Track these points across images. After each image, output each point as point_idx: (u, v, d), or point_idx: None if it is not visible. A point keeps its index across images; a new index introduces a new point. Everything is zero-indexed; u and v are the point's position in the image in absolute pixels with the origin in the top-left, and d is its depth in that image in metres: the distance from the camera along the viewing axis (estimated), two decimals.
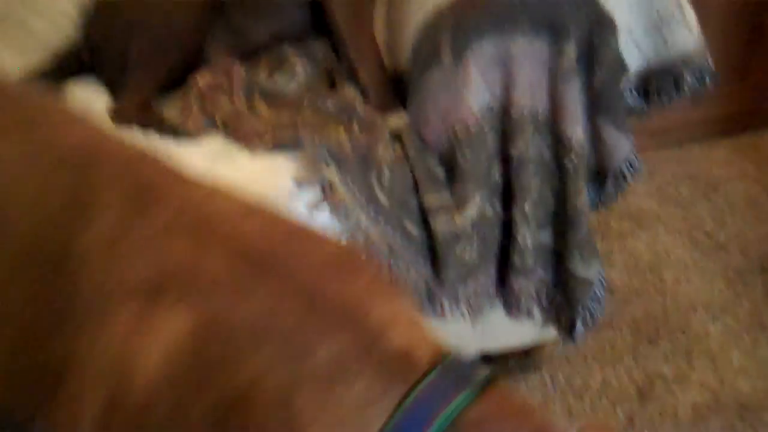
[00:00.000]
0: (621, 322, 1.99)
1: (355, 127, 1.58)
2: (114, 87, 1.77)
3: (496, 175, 1.53)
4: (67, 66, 1.87)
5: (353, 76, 1.71)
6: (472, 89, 1.44)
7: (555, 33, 1.40)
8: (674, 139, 2.54)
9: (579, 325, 1.66)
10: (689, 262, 2.15)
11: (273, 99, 1.68)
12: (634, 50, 1.48)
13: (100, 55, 1.82)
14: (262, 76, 1.72)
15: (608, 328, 1.97)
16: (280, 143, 1.52)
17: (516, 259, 1.58)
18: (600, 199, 1.65)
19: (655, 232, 2.25)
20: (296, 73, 1.73)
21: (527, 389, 1.85)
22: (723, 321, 1.98)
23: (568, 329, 1.69)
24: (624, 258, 2.17)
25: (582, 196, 1.52)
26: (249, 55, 1.80)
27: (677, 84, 1.51)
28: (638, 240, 2.23)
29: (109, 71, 1.80)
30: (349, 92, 1.67)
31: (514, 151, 1.49)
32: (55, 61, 1.89)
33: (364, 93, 1.68)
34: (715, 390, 1.82)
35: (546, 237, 1.60)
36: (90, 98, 1.75)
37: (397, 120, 1.59)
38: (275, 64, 1.76)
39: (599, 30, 1.41)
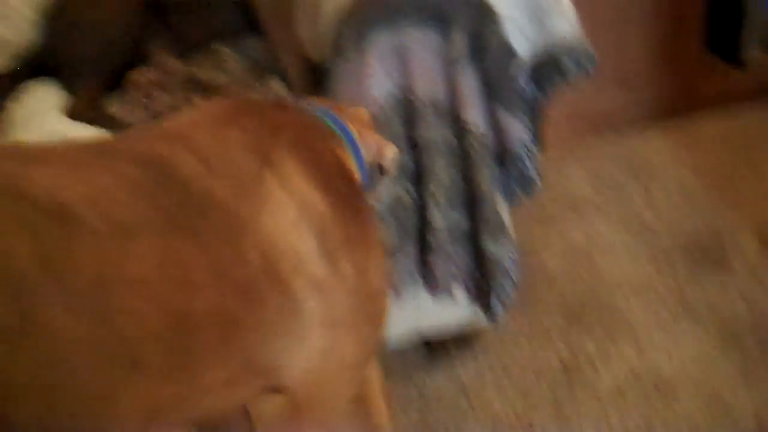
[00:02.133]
0: (551, 302, 2.07)
1: None
2: (68, 87, 1.89)
3: (408, 159, 1.62)
4: (29, 68, 1.98)
5: (280, 70, 1.81)
6: (374, 78, 1.55)
7: (443, 23, 1.51)
8: (610, 124, 2.61)
9: (495, 302, 1.74)
10: (619, 245, 2.23)
11: (207, 92, 1.79)
12: (521, 38, 1.58)
13: (55, 56, 1.93)
14: (198, 71, 1.83)
15: (539, 308, 2.05)
16: None
17: (431, 240, 1.67)
18: (511, 184, 1.73)
19: (589, 216, 2.34)
20: (229, 68, 1.84)
21: (462, 368, 1.93)
22: (647, 298, 2.06)
23: (487, 308, 1.77)
24: (557, 241, 2.26)
25: (485, 178, 1.62)
26: (187, 52, 1.91)
27: (560, 71, 1.60)
28: (572, 223, 2.32)
29: (64, 72, 1.92)
30: (275, 84, 1.77)
31: (419, 137, 1.58)
32: (17, 63, 2.00)
33: (288, 84, 1.78)
34: (634, 366, 1.90)
35: (460, 218, 1.68)
36: (48, 98, 1.87)
37: None
38: (210, 60, 1.87)
39: (483, 19, 1.52)
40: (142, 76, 1.78)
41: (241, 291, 0.97)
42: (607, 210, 2.36)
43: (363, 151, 1.27)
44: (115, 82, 1.81)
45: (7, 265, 0.81)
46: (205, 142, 1.03)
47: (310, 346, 1.04)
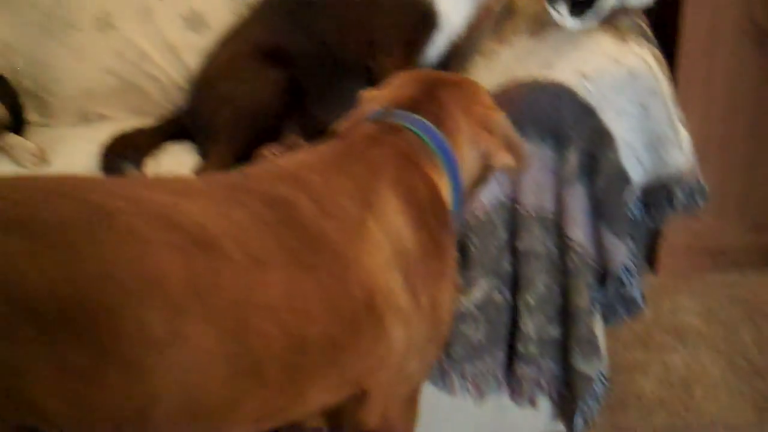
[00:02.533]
0: (641, 428, 2.04)
1: None
2: (202, 151, 2.04)
3: (507, 264, 1.66)
4: (171, 129, 2.16)
5: None
6: None
7: (558, 141, 1.55)
8: (731, 262, 2.58)
9: (578, 419, 1.74)
10: (721, 382, 2.17)
11: None
12: (636, 165, 1.60)
13: (195, 122, 2.10)
14: None
15: None
16: None
17: (520, 347, 1.69)
18: (613, 303, 1.74)
19: (695, 349, 2.29)
20: None
21: None
22: None
23: (570, 423, 1.77)
24: (659, 369, 2.22)
25: (583, 294, 1.63)
26: (318, 136, 2.03)
27: (670, 200, 1.61)
28: (677, 354, 2.27)
29: (200, 137, 2.08)
30: None
31: (520, 245, 1.62)
32: (162, 124, 2.18)
33: None
34: None
35: (554, 330, 1.70)
36: (182, 159, 2.02)
37: None
38: None
39: (599, 142, 1.55)
40: (270, 152, 1.90)
41: (346, 321, 1.10)
42: (714, 344, 2.31)
43: (462, 164, 1.32)
44: (246, 153, 1.93)
45: (164, 286, 0.94)
46: (318, 186, 1.16)
47: (390, 364, 1.17)
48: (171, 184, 1.13)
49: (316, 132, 2.05)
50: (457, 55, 2.01)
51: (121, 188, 1.05)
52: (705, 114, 2.48)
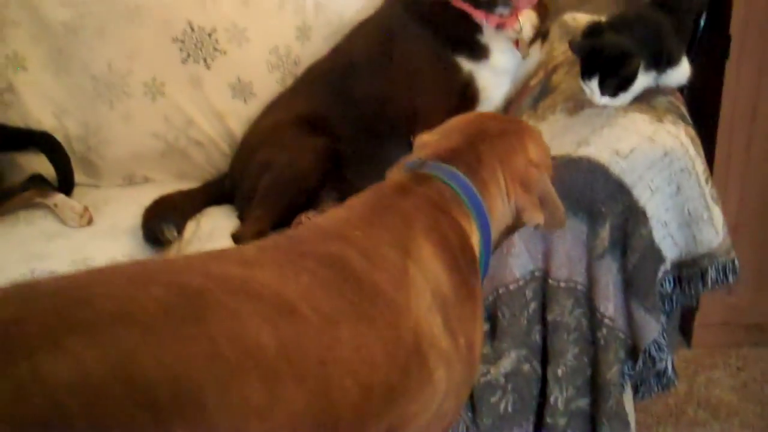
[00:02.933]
0: None
1: None
2: (241, 215, 2.09)
3: (536, 335, 1.67)
4: (213, 192, 2.22)
5: None
6: (517, 258, 1.63)
7: (592, 217, 1.58)
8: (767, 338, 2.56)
9: None
10: None
11: None
12: (670, 242, 1.61)
13: (236, 186, 2.16)
14: None
15: None
16: None
17: (548, 419, 1.70)
18: (644, 376, 1.74)
19: (728, 425, 2.27)
20: None
21: None
22: None
23: None
24: None
25: (613, 368, 1.64)
26: None
27: (703, 277, 1.62)
28: (709, 430, 2.25)
29: (240, 201, 2.13)
30: None
31: (551, 317, 1.64)
32: (204, 187, 2.24)
33: None
34: None
35: (583, 403, 1.70)
36: (221, 222, 2.07)
37: None
38: None
39: (632, 219, 1.57)
40: (307, 218, 1.95)
41: (400, 366, 1.15)
42: (748, 421, 2.28)
43: (492, 216, 1.34)
44: (283, 218, 1.97)
45: (261, 356, 0.99)
46: (361, 240, 1.20)
47: (431, 407, 1.22)
48: (233, 256, 1.18)
49: None
50: None
51: (195, 266, 1.10)
52: (742, 189, 2.49)
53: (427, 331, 1.18)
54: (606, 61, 1.65)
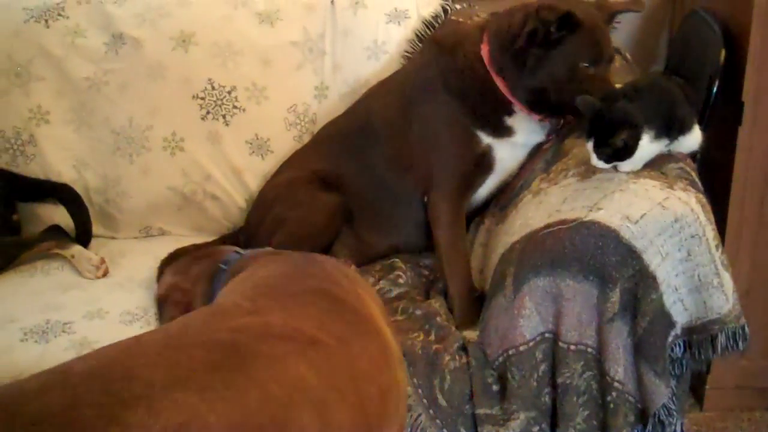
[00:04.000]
0: None
1: (432, 335, 1.81)
2: None
3: (546, 398, 1.67)
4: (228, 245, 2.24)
5: (445, 291, 1.95)
6: (527, 320, 1.64)
7: (602, 281, 1.59)
8: None
9: None
10: None
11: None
12: (680, 307, 1.62)
13: (250, 240, 2.19)
14: (371, 279, 2.00)
15: None
16: None
17: None
18: None
19: None
20: (399, 282, 1.99)
21: None
22: None
23: None
24: None
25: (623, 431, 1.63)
26: (368, 260, 2.10)
27: (713, 343, 1.62)
28: None
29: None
30: (436, 304, 1.91)
31: (560, 379, 1.64)
32: (219, 241, 2.27)
33: (450, 306, 1.91)
34: None
35: None
36: None
37: (471, 334, 1.80)
38: (385, 270, 2.04)
39: (642, 284, 1.58)
40: None
41: (394, 369, 1.32)
42: None
43: None
44: None
45: (307, 388, 1.10)
46: (328, 272, 1.40)
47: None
48: (236, 310, 1.26)
49: (367, 256, 2.12)
50: (507, 192, 2.08)
51: (214, 324, 1.19)
52: (754, 253, 2.48)
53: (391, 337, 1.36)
54: (605, 126, 1.68)
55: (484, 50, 2.01)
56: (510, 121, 2.03)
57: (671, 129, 1.74)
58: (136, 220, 2.39)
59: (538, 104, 1.97)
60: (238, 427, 1.00)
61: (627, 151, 1.68)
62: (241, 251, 1.62)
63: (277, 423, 1.04)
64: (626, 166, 1.71)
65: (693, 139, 1.79)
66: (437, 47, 2.12)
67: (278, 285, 1.36)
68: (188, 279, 1.68)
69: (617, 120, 1.68)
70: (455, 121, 2.03)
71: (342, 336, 1.23)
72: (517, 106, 2.00)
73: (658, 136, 1.71)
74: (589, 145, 1.71)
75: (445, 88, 2.05)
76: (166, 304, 1.71)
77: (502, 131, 2.03)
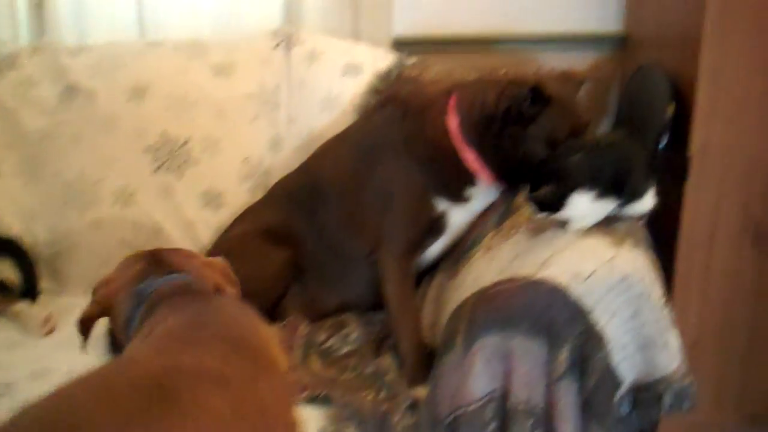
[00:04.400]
0: None
1: (382, 393, 1.80)
2: None
3: None
4: None
5: (396, 347, 1.95)
6: (476, 378, 1.63)
7: (551, 339, 1.59)
8: None
9: None
10: None
11: (325, 357, 1.94)
12: (628, 365, 1.63)
13: None
14: (322, 336, 2.00)
15: None
16: (315, 397, 1.76)
17: None
18: None
19: None
20: (351, 339, 1.99)
21: None
22: None
23: None
24: None
25: None
26: (319, 316, 2.09)
27: (658, 401, 1.64)
28: None
29: None
30: (387, 361, 1.91)
31: None
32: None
33: (401, 364, 1.91)
34: None
35: None
36: None
37: (421, 391, 1.79)
38: (335, 327, 2.04)
39: (590, 343, 1.59)
40: None
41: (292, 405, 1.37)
42: None
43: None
44: None
45: (218, 417, 1.16)
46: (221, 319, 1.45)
47: None
48: (159, 349, 1.34)
49: (318, 313, 2.11)
50: (459, 247, 2.09)
51: (139, 371, 1.22)
52: (703, 307, 2.52)
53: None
54: (541, 177, 1.72)
55: (452, 122, 2.00)
56: (470, 190, 2.03)
57: (621, 192, 1.76)
58: (85, 274, 2.33)
59: (510, 177, 1.97)
60: None
61: (552, 205, 1.70)
62: (157, 280, 1.60)
63: None
64: (574, 224, 1.73)
65: (646, 203, 1.81)
66: (401, 110, 2.11)
67: (184, 334, 1.39)
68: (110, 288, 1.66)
69: (549, 173, 1.70)
70: (414, 185, 2.03)
71: (248, 374, 1.28)
72: (483, 178, 2.00)
73: (602, 196, 1.73)
74: (525, 192, 1.74)
75: (407, 152, 2.04)
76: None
77: (461, 198, 2.04)
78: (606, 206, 1.75)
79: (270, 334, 1.47)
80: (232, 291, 1.67)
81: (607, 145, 1.86)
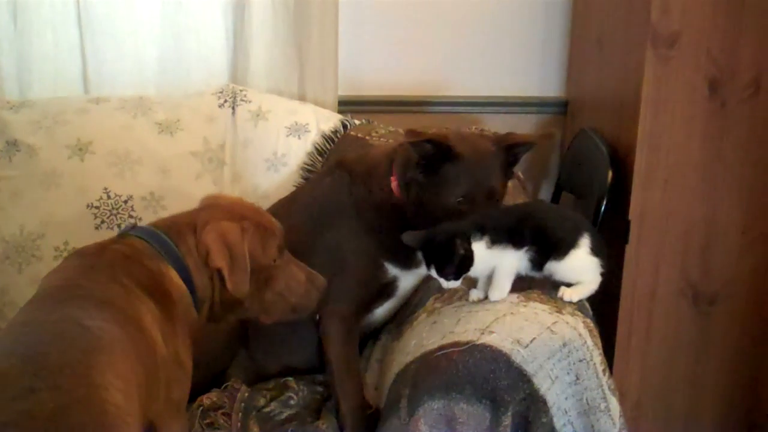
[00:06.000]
0: None
1: None
2: None
3: None
4: None
5: (337, 409, 1.93)
6: None
7: (495, 404, 1.60)
8: None
9: None
10: None
11: (264, 422, 1.92)
12: (570, 430, 1.64)
13: None
14: (261, 401, 1.98)
15: None
16: None
17: None
18: None
19: None
20: (290, 403, 1.97)
21: None
22: None
23: None
24: None
25: None
26: (260, 381, 2.06)
27: None
28: None
29: None
30: (328, 423, 1.89)
31: None
32: None
33: (341, 425, 1.89)
34: None
35: None
36: None
37: None
38: (277, 390, 2.01)
39: (533, 407, 1.60)
40: (208, 399, 1.93)
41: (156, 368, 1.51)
42: None
43: (190, 259, 1.67)
44: (192, 398, 1.94)
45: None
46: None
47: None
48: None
49: (260, 377, 2.08)
50: (403, 310, 2.09)
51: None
52: (643, 365, 2.56)
53: (159, 343, 1.52)
54: (440, 248, 1.73)
55: (393, 183, 2.00)
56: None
57: (520, 239, 1.76)
58: None
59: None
60: None
61: (466, 259, 1.71)
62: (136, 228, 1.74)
63: None
64: (495, 293, 1.76)
65: (577, 268, 1.79)
66: (349, 175, 2.09)
67: (52, 291, 1.56)
68: None
69: (446, 236, 1.72)
70: (365, 251, 2.01)
71: (106, 319, 1.41)
72: None
73: (495, 242, 1.74)
74: (433, 272, 1.74)
75: (357, 217, 2.03)
76: None
77: (411, 263, 2.02)
78: (514, 257, 1.76)
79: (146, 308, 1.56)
80: (222, 264, 1.66)
81: (506, 208, 1.91)
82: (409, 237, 1.79)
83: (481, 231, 1.74)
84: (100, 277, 1.55)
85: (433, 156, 1.87)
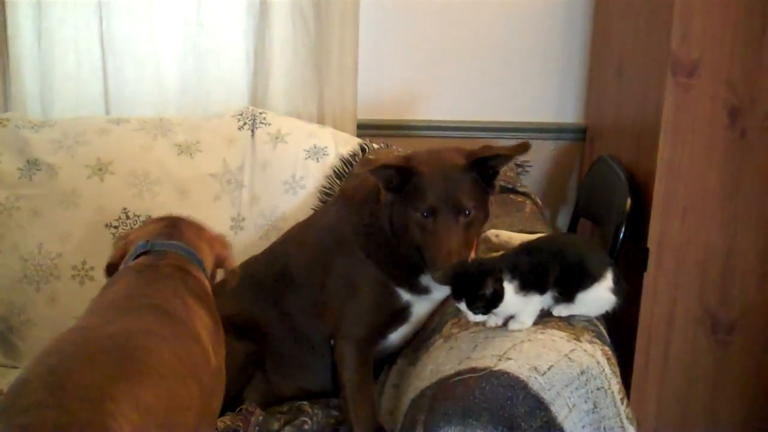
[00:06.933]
0: None
1: None
2: None
3: None
4: None
5: None
6: None
7: (511, 431, 1.59)
8: None
9: None
10: None
11: None
12: None
13: None
14: (275, 425, 1.97)
15: None
16: None
17: None
18: None
19: None
20: (305, 428, 1.97)
21: None
22: None
23: None
24: None
25: None
26: (275, 404, 2.06)
27: None
28: None
29: None
30: None
31: None
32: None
33: None
34: None
35: None
36: None
37: None
38: (292, 414, 2.01)
39: None
40: (222, 422, 1.92)
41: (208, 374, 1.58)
42: None
43: (206, 263, 1.81)
44: None
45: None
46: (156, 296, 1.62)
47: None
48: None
49: (275, 400, 2.08)
50: (420, 334, 2.09)
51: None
52: (660, 394, 2.54)
53: (211, 355, 1.60)
54: (471, 282, 1.71)
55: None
56: (426, 279, 2.00)
57: (544, 284, 1.75)
58: (39, 348, 2.29)
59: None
60: None
61: (496, 297, 1.70)
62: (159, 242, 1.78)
63: None
64: (515, 324, 1.75)
65: (597, 300, 1.79)
66: (346, 204, 2.11)
67: (120, 301, 1.57)
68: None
69: (479, 273, 1.71)
70: (374, 279, 2.01)
71: (167, 336, 1.48)
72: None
73: (524, 288, 1.73)
74: (462, 306, 1.73)
75: (359, 247, 2.03)
76: None
77: (420, 289, 2.02)
78: (532, 300, 1.75)
79: (200, 314, 1.64)
80: (231, 263, 1.89)
81: (534, 244, 1.87)
82: (438, 275, 1.79)
83: (513, 272, 1.73)
84: (165, 290, 1.62)
85: (398, 177, 1.90)
